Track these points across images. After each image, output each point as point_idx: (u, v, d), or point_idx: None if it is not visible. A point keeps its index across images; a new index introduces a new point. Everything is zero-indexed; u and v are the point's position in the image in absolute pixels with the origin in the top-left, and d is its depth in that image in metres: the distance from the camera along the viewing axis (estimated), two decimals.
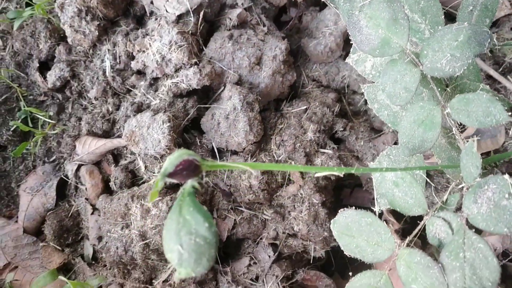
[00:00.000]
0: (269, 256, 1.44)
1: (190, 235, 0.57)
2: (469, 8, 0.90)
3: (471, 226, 0.70)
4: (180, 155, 0.63)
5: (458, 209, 0.74)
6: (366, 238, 0.76)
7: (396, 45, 0.80)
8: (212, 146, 1.46)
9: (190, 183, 0.63)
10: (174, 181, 0.62)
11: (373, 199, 1.11)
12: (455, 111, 0.75)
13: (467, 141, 0.74)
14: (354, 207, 0.90)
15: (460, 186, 0.74)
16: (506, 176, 0.66)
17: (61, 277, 1.30)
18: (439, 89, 0.79)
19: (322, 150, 1.47)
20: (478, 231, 0.71)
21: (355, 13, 0.86)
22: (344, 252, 0.81)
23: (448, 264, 0.70)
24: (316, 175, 1.18)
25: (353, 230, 0.77)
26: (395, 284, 0.76)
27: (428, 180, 0.96)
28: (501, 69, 1.58)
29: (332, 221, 0.83)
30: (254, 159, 1.45)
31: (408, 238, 0.75)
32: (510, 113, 0.69)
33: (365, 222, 0.76)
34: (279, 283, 1.40)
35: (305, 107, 1.53)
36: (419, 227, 0.76)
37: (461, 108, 0.74)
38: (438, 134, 0.75)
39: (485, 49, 0.76)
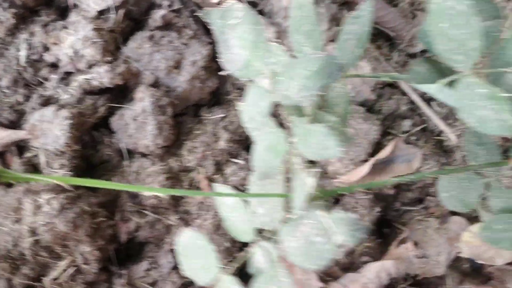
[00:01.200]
0: (169, 262, 1.42)
1: None
2: (344, 36, 0.90)
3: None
4: None
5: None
6: (199, 260, 0.75)
7: (255, 68, 0.80)
8: (120, 146, 1.44)
9: None
10: None
11: None
12: (298, 140, 0.75)
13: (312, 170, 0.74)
14: None
15: (291, 216, 0.74)
16: (319, 212, 0.66)
17: None
18: (294, 116, 0.79)
19: (234, 160, 1.47)
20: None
21: (227, 31, 0.85)
22: (182, 273, 0.80)
23: None
24: (145, 193, 1.17)
25: (189, 251, 0.77)
26: None
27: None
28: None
29: (176, 240, 0.82)
30: (163, 163, 1.43)
31: (233, 265, 0.75)
32: (342, 149, 0.69)
33: (198, 245, 0.76)
34: None
35: (223, 115, 1.51)
36: (243, 254, 0.76)
37: (303, 138, 0.73)
38: (282, 161, 0.75)
39: (334, 81, 0.76)
